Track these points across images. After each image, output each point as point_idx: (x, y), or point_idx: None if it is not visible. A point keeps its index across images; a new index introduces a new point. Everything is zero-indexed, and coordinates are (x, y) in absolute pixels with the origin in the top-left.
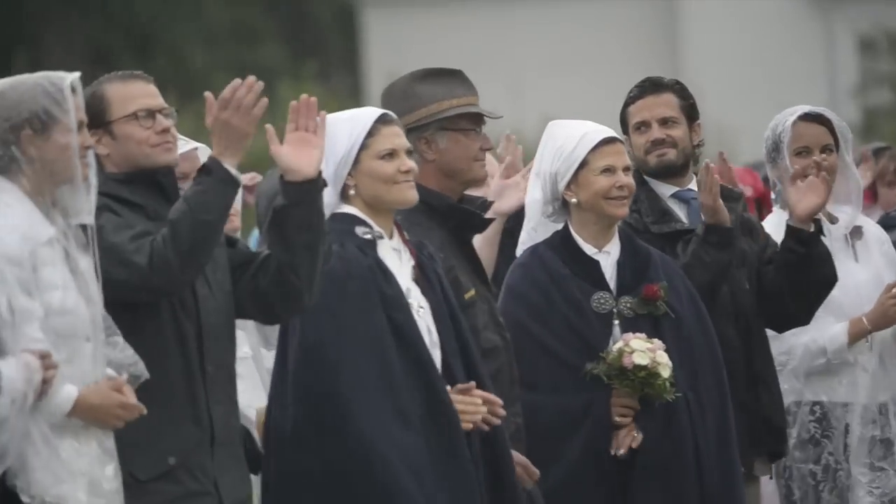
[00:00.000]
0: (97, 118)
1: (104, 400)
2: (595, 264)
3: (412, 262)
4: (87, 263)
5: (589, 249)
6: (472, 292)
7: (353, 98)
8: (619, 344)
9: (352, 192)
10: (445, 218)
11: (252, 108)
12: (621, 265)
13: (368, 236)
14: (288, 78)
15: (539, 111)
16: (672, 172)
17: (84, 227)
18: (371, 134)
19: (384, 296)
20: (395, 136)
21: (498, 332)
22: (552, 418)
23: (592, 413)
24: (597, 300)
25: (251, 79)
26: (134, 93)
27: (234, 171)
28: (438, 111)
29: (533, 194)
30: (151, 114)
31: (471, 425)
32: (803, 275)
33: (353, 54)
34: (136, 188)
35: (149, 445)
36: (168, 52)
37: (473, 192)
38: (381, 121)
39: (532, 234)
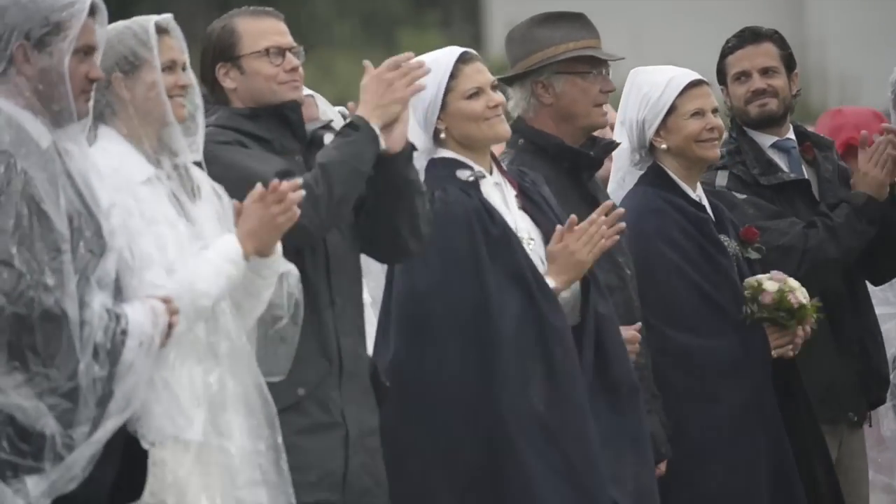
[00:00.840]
0: (227, 52)
1: (258, 217)
2: (703, 207)
3: (514, 193)
4: (202, 203)
5: (691, 193)
6: None
7: (474, 46)
8: (773, 284)
9: (443, 135)
10: (556, 159)
11: (411, 83)
12: (714, 207)
13: (471, 177)
14: (409, 27)
15: (662, 59)
16: (772, 122)
17: (199, 166)
18: (454, 76)
19: (489, 236)
20: (478, 73)
21: (615, 271)
22: (711, 361)
23: (754, 355)
24: (723, 241)
25: (420, 60)
26: (265, 29)
27: (377, 131)
28: (555, 54)
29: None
30: (281, 51)
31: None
32: (890, 234)
33: (474, 3)
34: (263, 122)
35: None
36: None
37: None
38: (462, 60)
39: (621, 182)
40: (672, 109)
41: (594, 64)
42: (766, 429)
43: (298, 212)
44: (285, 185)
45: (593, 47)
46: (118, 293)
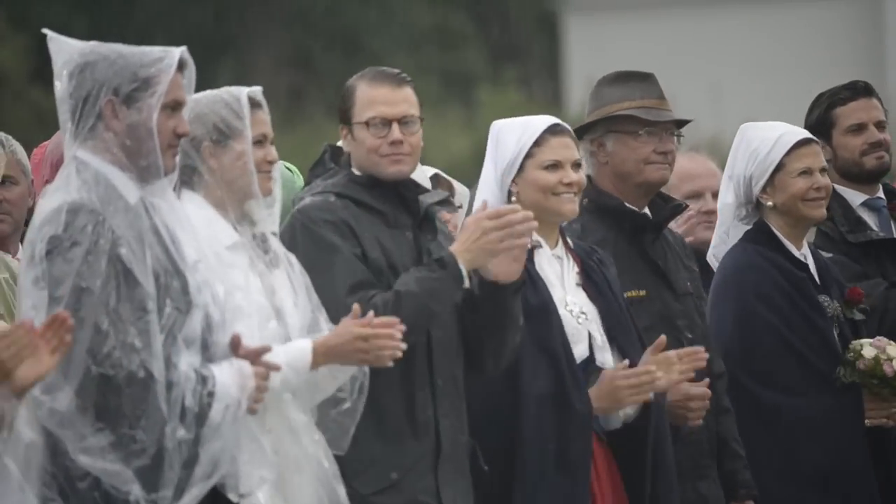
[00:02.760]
0: (345, 114)
1: (345, 340)
2: (806, 267)
3: (577, 269)
4: (278, 274)
5: (794, 251)
6: (639, 293)
7: (554, 104)
8: (871, 350)
9: (514, 198)
10: (618, 220)
11: (506, 238)
12: (820, 267)
13: (527, 246)
14: (488, 83)
15: (739, 115)
16: (881, 176)
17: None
18: (538, 143)
19: (527, 305)
20: (563, 148)
21: (672, 335)
22: (799, 421)
23: (845, 420)
24: (822, 302)
25: (528, 214)
26: (375, 97)
27: (465, 272)
28: (607, 113)
29: (725, 198)
30: (387, 123)
31: (647, 396)
32: None
33: (554, 60)
34: (379, 194)
35: (373, 461)
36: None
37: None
38: (551, 131)
39: (724, 237)
40: (780, 167)
41: (646, 124)
42: (855, 495)
43: (386, 362)
44: (378, 322)
45: (649, 107)
46: (205, 350)
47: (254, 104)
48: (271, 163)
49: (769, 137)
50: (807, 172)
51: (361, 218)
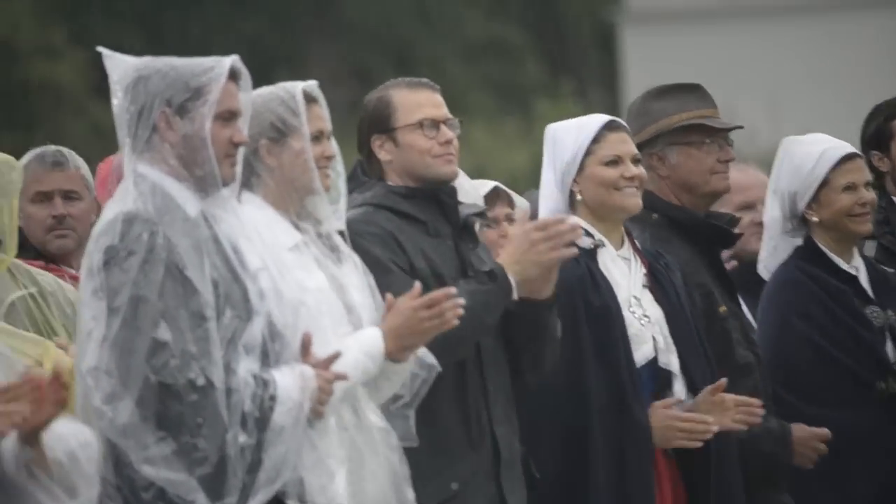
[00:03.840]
0: (382, 123)
1: (406, 318)
2: (854, 279)
3: (643, 271)
4: (346, 270)
5: (842, 265)
6: (724, 308)
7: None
8: None
9: (578, 197)
10: (692, 233)
11: (556, 248)
12: (873, 280)
13: (591, 245)
14: (545, 96)
15: (797, 127)
16: None
17: (341, 234)
18: (596, 140)
19: (589, 306)
20: (621, 143)
21: (750, 348)
22: (844, 435)
23: (893, 433)
24: (870, 314)
25: (574, 222)
26: (420, 101)
27: (514, 285)
28: (668, 126)
29: (771, 212)
30: (436, 124)
31: (698, 444)
32: None
33: (611, 72)
34: (418, 203)
35: (433, 473)
36: (427, 69)
37: (718, 207)
38: (608, 127)
39: (773, 251)
40: (825, 183)
41: (709, 133)
42: None
43: (451, 323)
44: (438, 293)
45: (707, 117)
46: (265, 358)
47: (310, 99)
48: (329, 158)
49: (812, 153)
50: (851, 188)
51: (404, 228)
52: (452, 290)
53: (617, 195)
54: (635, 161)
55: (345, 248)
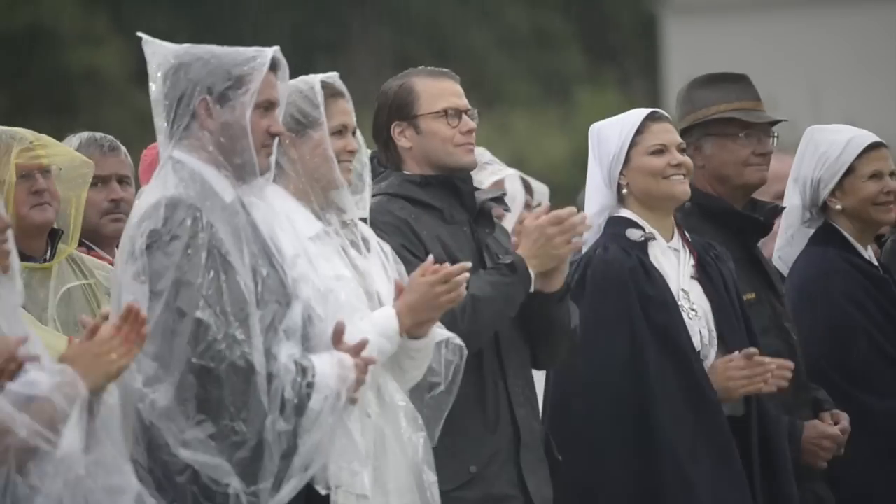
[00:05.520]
0: (403, 110)
1: (422, 293)
2: (878, 269)
3: (692, 262)
4: (374, 264)
5: (864, 253)
6: (751, 295)
7: (652, 104)
8: None
9: (625, 190)
10: (723, 222)
11: (570, 241)
12: (885, 270)
13: (641, 238)
14: (586, 84)
15: (839, 117)
16: None
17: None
18: (640, 131)
19: (645, 296)
20: (665, 132)
21: (781, 336)
22: (894, 423)
23: None
24: None
25: (583, 215)
26: (443, 90)
27: (534, 276)
28: (705, 116)
29: (791, 200)
30: (458, 113)
31: (759, 386)
32: None
33: (653, 61)
34: (434, 191)
35: (451, 457)
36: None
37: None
38: (651, 118)
39: (790, 240)
40: (850, 170)
41: (745, 126)
42: None
43: (464, 292)
44: (452, 267)
45: (748, 109)
46: (305, 341)
47: (335, 93)
48: (352, 152)
49: (838, 141)
50: (877, 176)
51: (420, 216)
52: (468, 264)
53: (665, 183)
54: (681, 149)
55: (372, 238)
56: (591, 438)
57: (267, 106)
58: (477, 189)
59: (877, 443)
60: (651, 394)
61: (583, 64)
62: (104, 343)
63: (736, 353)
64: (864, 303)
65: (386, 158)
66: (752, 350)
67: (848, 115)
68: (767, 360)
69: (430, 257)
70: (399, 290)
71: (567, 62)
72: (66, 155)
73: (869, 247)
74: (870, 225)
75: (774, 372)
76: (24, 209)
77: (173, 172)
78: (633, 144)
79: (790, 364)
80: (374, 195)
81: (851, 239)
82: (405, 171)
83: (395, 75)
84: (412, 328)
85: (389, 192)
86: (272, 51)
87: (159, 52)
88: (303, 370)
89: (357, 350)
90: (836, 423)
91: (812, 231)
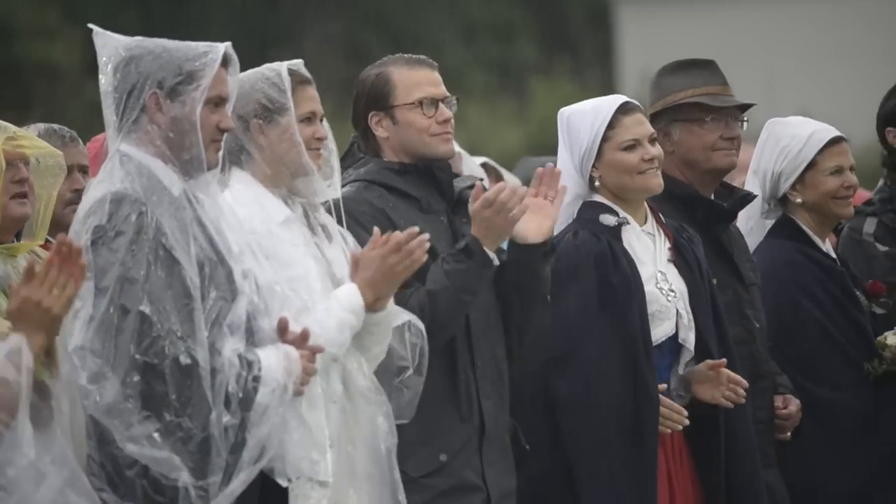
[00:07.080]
0: (380, 100)
1: (376, 267)
2: (834, 261)
3: (668, 245)
4: (336, 250)
5: (822, 246)
6: (713, 280)
7: (606, 95)
8: (895, 338)
9: (597, 183)
10: (689, 209)
11: (511, 210)
12: (842, 262)
13: (613, 223)
14: (540, 74)
15: (794, 106)
16: None
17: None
18: (612, 125)
19: (606, 283)
20: (637, 125)
21: (742, 324)
22: (849, 416)
23: (889, 412)
24: (859, 296)
25: (514, 186)
26: (419, 79)
27: (492, 253)
28: (672, 102)
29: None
30: (434, 103)
31: (668, 430)
32: None
33: (606, 51)
34: (411, 179)
35: (422, 444)
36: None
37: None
38: (622, 110)
39: (749, 231)
40: (811, 165)
41: (711, 110)
42: None
43: (421, 259)
44: (400, 235)
45: (714, 94)
46: (250, 336)
47: (302, 80)
48: (321, 139)
49: (800, 135)
50: (838, 171)
51: (396, 205)
52: (415, 229)
53: (639, 178)
54: (652, 141)
55: (332, 225)
56: (554, 427)
57: (217, 101)
58: (456, 176)
59: (827, 433)
60: (599, 381)
61: (537, 54)
62: (44, 281)
63: (663, 388)
64: (818, 295)
65: (365, 146)
66: (719, 361)
67: (802, 105)
68: (725, 373)
69: (376, 230)
70: (355, 266)
71: (521, 52)
72: (44, 149)
73: (827, 240)
74: (829, 218)
75: (728, 386)
76: (5, 198)
77: (120, 166)
78: (604, 139)
79: (744, 383)
80: (352, 181)
81: (809, 232)
82: (384, 159)
83: (352, 64)
84: (374, 304)
85: (367, 178)
86: (224, 46)
87: (110, 45)
88: (248, 364)
89: (302, 339)
90: (784, 408)
91: (770, 223)
